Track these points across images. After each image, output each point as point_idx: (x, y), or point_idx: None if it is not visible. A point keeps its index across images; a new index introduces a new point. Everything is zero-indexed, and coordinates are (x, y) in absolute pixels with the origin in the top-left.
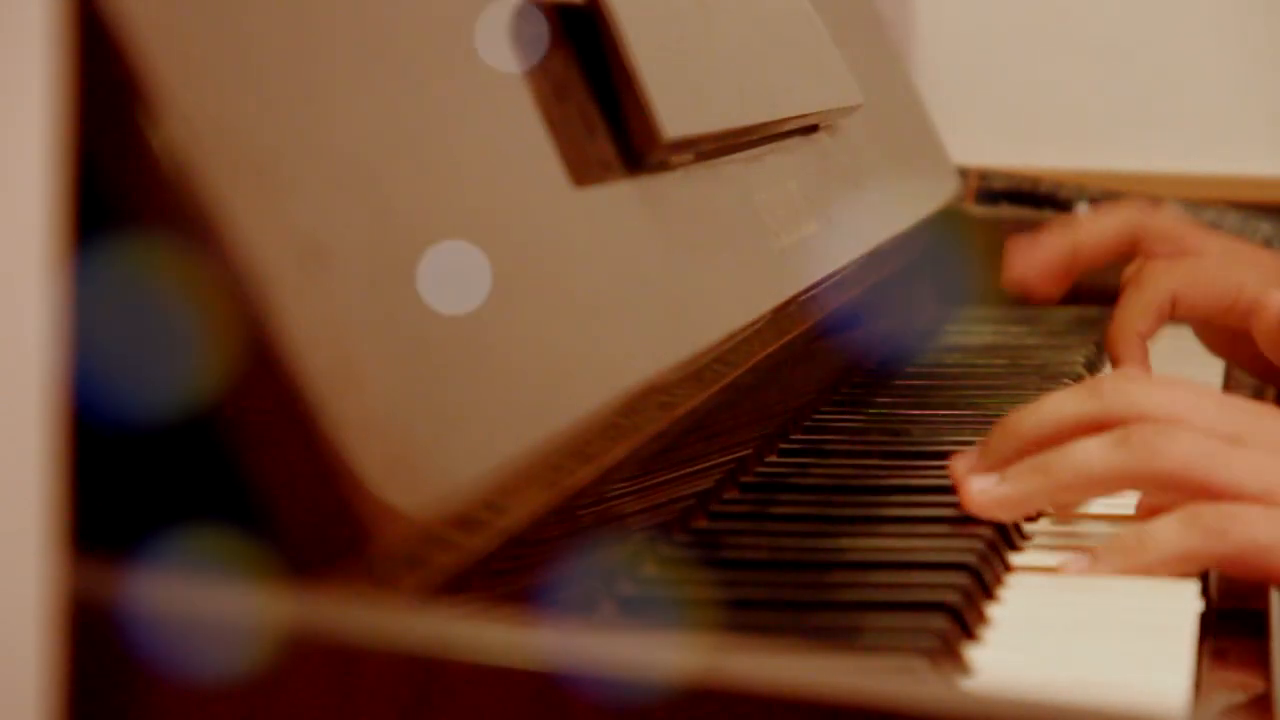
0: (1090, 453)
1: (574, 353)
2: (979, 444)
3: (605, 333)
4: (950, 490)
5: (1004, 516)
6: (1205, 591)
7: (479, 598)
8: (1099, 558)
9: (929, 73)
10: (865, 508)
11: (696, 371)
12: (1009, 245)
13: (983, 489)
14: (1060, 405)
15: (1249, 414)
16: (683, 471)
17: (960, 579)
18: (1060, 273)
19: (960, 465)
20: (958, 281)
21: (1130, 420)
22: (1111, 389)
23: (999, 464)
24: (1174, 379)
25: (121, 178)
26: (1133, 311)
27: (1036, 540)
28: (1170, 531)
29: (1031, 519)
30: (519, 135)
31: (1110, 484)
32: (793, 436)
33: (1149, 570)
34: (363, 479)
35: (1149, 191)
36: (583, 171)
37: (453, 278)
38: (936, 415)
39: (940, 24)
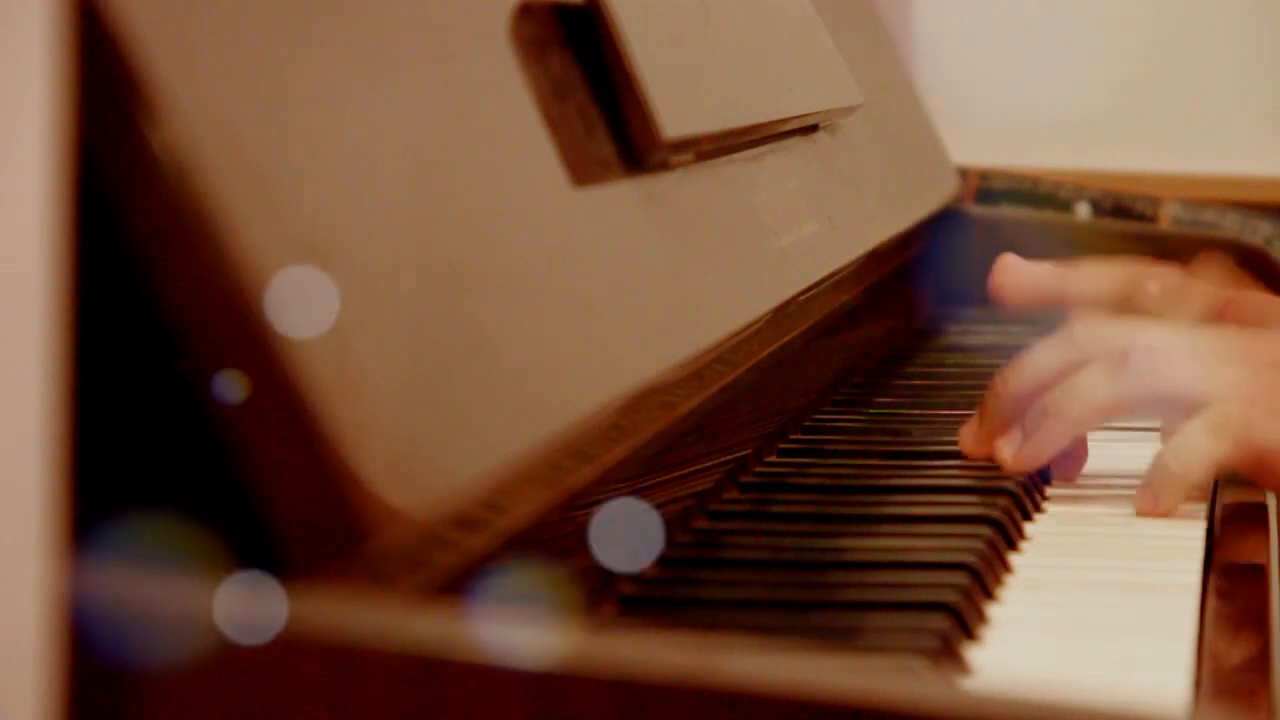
0: (1095, 384)
1: (574, 353)
2: (978, 410)
3: (605, 333)
4: (950, 490)
5: (1038, 465)
6: (1205, 590)
7: (479, 598)
8: (1158, 495)
9: (929, 73)
10: (865, 507)
11: (696, 371)
12: (1002, 260)
13: (1013, 448)
14: (1042, 356)
15: (1216, 336)
16: (683, 471)
17: (960, 579)
18: (1040, 306)
19: (967, 435)
20: (958, 281)
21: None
22: (1084, 332)
23: (1003, 424)
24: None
25: (121, 178)
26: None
27: (1037, 540)
28: (1203, 444)
29: (1030, 520)
30: (519, 135)
31: (1118, 409)
32: (793, 436)
33: (1196, 486)
34: (363, 479)
35: (1149, 192)
36: (583, 171)
37: (452, 278)
38: (936, 415)
39: (940, 24)
